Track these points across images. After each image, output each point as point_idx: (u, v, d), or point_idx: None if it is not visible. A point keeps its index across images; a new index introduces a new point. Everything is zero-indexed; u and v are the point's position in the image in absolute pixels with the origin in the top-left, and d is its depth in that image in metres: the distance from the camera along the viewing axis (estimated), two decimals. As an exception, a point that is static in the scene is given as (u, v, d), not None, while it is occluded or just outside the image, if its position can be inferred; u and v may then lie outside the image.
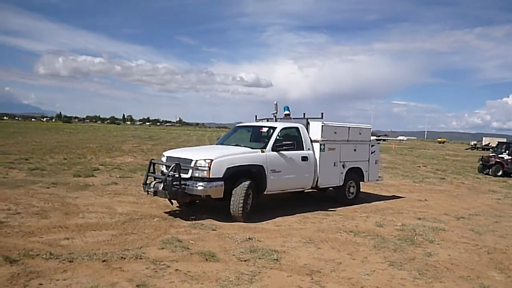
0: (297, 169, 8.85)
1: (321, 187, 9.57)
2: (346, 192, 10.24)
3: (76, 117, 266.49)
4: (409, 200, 11.44)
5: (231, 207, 7.69)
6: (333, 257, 5.88)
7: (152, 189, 7.67)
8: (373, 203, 10.59)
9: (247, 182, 7.79)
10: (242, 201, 7.62)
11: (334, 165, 9.68)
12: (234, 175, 7.68)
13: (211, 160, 7.46)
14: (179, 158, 7.91)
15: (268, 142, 8.52)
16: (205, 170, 7.41)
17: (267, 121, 10.24)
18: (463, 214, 9.53)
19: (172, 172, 7.44)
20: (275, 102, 9.96)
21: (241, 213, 7.64)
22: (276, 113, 9.99)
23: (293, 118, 9.97)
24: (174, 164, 7.50)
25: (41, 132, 47.72)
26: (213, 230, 7.00)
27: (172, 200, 8.29)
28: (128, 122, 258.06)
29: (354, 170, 10.26)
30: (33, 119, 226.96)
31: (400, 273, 5.32)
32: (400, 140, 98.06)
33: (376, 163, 11.08)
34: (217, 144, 9.96)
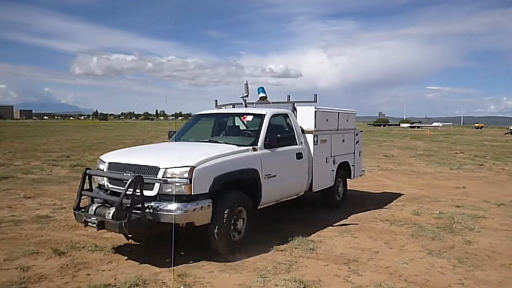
0: (292, 171, 6.71)
1: (315, 190, 7.26)
2: (335, 193, 8.25)
3: (111, 114, 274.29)
4: (447, 187, 11.18)
5: (210, 234, 5.17)
6: (369, 246, 5.87)
7: (94, 218, 4.88)
8: (408, 191, 10.40)
9: (237, 195, 5.49)
10: (228, 225, 5.27)
11: (326, 161, 7.56)
12: (223, 187, 5.25)
13: (192, 168, 4.88)
14: (136, 165, 5.20)
15: (258, 136, 6.17)
16: (183, 184, 4.83)
17: (233, 107, 8.14)
18: (504, 201, 9.23)
19: (128, 190, 4.68)
20: (245, 82, 7.65)
21: (227, 242, 5.28)
22: (247, 95, 7.68)
23: (272, 103, 7.68)
24: (132, 177, 4.75)
25: (79, 130, 49.48)
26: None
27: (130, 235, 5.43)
28: (161, 117, 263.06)
29: (342, 166, 8.28)
30: (71, 118, 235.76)
31: (439, 262, 5.25)
32: (435, 126, 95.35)
33: (359, 155, 9.16)
34: (175, 141, 7.02)
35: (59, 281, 4.44)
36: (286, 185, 6.52)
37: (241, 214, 5.60)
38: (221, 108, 8.21)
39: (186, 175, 4.83)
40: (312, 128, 7.14)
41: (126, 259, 5.14)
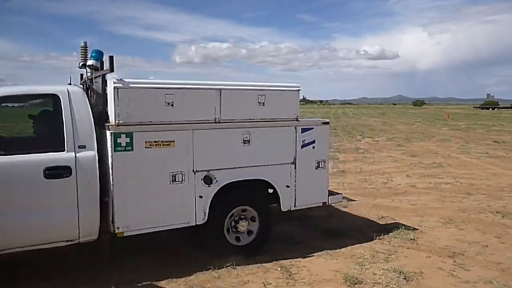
0: (31, 200, 3.82)
1: (128, 234, 4.15)
2: (221, 234, 4.70)
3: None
4: None
5: None
6: (477, 239, 5.44)
7: None
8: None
9: None
10: None
11: (173, 180, 4.32)
12: None
13: None
14: None
15: None
16: None
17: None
18: None
19: None
20: (82, 44, 4.89)
21: None
22: (84, 64, 4.82)
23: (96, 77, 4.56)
24: None
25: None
26: (345, 207, 7.00)
27: None
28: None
29: (244, 187, 4.80)
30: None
31: (562, 261, 4.69)
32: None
33: (320, 166, 5.23)
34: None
35: (167, 256, 4.78)
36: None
37: None
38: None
39: None
40: (112, 120, 4.09)
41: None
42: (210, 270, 4.31)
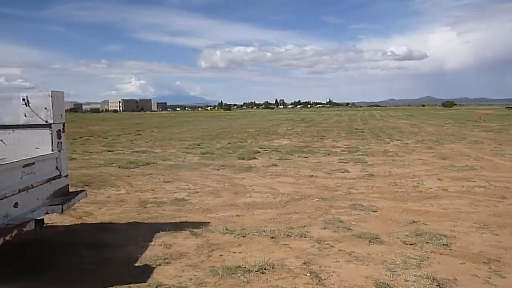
0: None
1: None
2: None
3: (235, 104, 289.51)
4: None
5: None
6: (514, 245, 5.25)
7: None
8: None
9: None
10: None
11: None
12: None
13: None
14: None
15: None
16: None
17: None
18: None
19: None
20: None
21: None
22: None
23: None
24: None
25: (207, 120, 53.26)
26: (374, 211, 6.89)
27: None
28: (281, 106, 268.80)
29: None
30: (199, 109, 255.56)
31: None
32: None
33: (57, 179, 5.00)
34: None
35: (196, 259, 4.86)
36: None
37: None
38: None
39: None
40: None
41: (254, 244, 5.41)
42: (239, 275, 4.33)
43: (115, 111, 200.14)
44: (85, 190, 5.88)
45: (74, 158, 14.53)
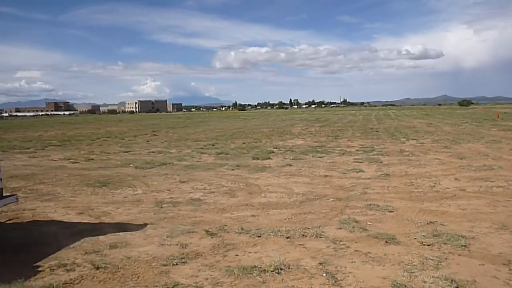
0: None
1: None
2: None
3: (249, 105, 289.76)
4: None
5: None
6: (535, 246, 5.15)
7: None
8: None
9: None
10: None
11: None
12: None
13: None
14: None
15: None
16: None
17: None
18: None
19: None
20: None
21: None
22: None
23: None
24: None
25: (221, 120, 53.47)
26: (390, 212, 6.83)
27: None
28: (295, 106, 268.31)
29: None
30: (214, 109, 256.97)
31: None
32: None
33: None
34: None
35: (212, 259, 4.89)
36: None
37: None
38: None
39: None
40: None
41: (270, 244, 5.41)
42: (255, 275, 4.35)
43: (132, 112, 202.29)
44: (15, 194, 6.05)
45: (92, 159, 14.80)
